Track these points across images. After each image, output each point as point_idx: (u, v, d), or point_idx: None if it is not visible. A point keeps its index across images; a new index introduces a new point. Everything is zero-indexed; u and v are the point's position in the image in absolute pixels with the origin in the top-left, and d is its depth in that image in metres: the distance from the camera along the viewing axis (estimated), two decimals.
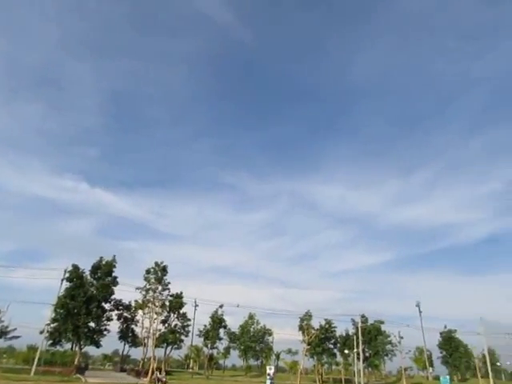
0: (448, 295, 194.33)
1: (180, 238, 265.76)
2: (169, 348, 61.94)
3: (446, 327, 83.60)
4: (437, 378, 74.60)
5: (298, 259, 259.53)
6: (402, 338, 75.03)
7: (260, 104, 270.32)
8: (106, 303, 55.98)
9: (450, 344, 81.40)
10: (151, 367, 44.64)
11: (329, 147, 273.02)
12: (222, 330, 74.05)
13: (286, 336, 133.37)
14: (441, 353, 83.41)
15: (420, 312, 63.59)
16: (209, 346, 71.59)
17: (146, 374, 46.23)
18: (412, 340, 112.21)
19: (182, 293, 61.53)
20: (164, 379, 30.89)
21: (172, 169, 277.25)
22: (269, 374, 37.85)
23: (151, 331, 49.53)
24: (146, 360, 58.49)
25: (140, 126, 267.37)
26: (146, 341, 54.88)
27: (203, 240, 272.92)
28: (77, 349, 53.53)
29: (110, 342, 64.79)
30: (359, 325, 63.09)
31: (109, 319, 56.77)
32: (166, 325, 60.02)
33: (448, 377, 55.26)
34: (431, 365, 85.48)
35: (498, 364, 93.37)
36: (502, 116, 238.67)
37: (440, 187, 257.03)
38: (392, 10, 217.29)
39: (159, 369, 39.45)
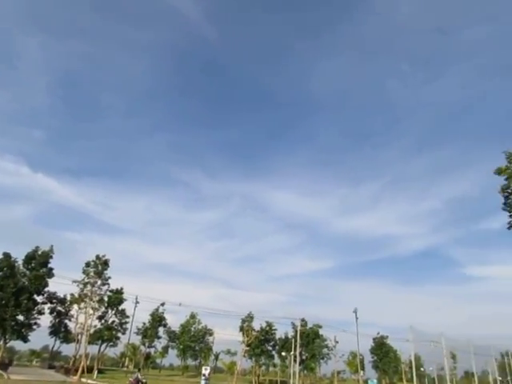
0: (384, 303, 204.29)
1: (126, 232, 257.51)
2: (104, 345, 59.80)
3: (378, 333, 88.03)
4: (367, 381, 78.35)
5: (244, 261, 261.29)
6: (337, 342, 78.12)
7: (219, 103, 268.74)
8: (38, 295, 52.85)
9: (381, 349, 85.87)
10: (82, 365, 42.85)
11: (284, 153, 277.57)
12: (161, 329, 72.88)
13: (226, 336, 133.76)
14: (372, 357, 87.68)
15: (356, 318, 66.06)
16: (146, 344, 70.00)
17: (76, 371, 44.29)
18: (348, 344, 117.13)
19: (122, 288, 59.72)
20: (144, 380, 29.94)
21: (123, 160, 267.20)
22: (204, 375, 37.69)
23: (85, 327, 47.57)
24: (78, 357, 56.02)
25: (92, 113, 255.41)
26: (79, 337, 52.61)
27: (150, 236, 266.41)
28: (1, 343, 50.06)
29: (40, 337, 61.23)
30: (298, 328, 64.78)
31: (40, 312, 53.58)
32: (103, 321, 57.89)
33: (375, 380, 58.26)
34: (363, 368, 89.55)
35: (422, 369, 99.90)
36: (443, 139, 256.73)
37: (385, 200, 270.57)
38: (356, 27, 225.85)
39: (139, 370, 38.35)
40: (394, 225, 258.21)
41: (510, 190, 19.05)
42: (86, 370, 42.78)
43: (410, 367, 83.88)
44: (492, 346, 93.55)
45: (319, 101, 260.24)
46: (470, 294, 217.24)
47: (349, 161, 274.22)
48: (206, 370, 38.89)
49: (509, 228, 18.98)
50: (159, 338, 72.23)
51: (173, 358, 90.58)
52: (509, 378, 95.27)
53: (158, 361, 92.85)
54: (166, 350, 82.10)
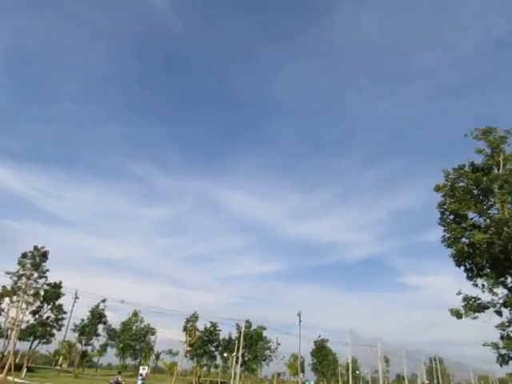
0: (329, 307, 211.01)
1: (71, 224, 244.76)
2: (36, 342, 56.30)
3: (320, 336, 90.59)
4: (305, 383, 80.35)
5: (194, 260, 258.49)
6: (279, 344, 79.39)
7: (179, 98, 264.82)
8: None
9: (321, 352, 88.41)
10: (9, 362, 40.07)
11: (242, 154, 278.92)
12: (101, 326, 69.97)
13: (170, 336, 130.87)
14: (312, 360, 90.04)
15: (300, 321, 67.77)
16: (83, 342, 66.87)
17: (3, 368, 41.30)
18: (290, 347, 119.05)
19: (61, 282, 56.60)
20: (123, 383, 28.36)
21: (72, 148, 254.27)
22: (141, 375, 36.69)
23: (16, 322, 44.51)
24: (6, 354, 52.26)
25: (41, 94, 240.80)
26: (8, 332, 49.08)
27: (97, 229, 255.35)
28: None
29: None
30: (242, 329, 65.05)
31: None
32: (37, 316, 54.52)
33: (313, 382, 59.97)
34: (302, 371, 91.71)
35: (358, 372, 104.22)
36: (393, 153, 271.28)
37: (336, 208, 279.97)
38: (322, 37, 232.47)
39: (120, 372, 36.30)
40: (343, 232, 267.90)
41: (445, 207, 20.48)
42: (13, 367, 40.02)
43: (347, 370, 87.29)
44: (422, 350, 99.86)
45: (281, 104, 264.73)
46: (407, 301, 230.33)
47: (304, 167, 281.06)
48: (143, 370, 37.93)
49: (442, 241, 20.42)
50: (98, 335, 69.26)
51: (111, 357, 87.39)
52: (435, 381, 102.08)
53: (96, 359, 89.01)
54: (104, 348, 78.81)
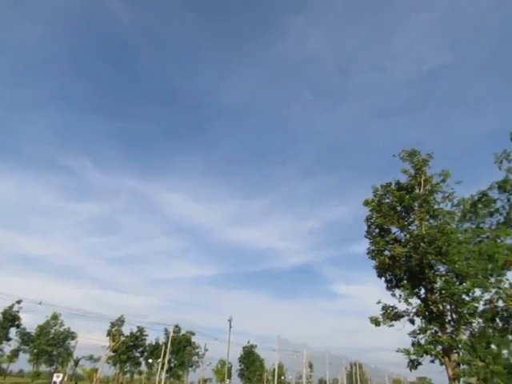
0: (260, 313, 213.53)
1: None
2: None
3: (249, 342, 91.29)
4: None
5: (124, 261, 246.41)
6: (206, 350, 78.62)
7: (120, 94, 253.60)
8: None
9: (249, 358, 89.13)
10: None
11: (183, 155, 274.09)
12: (13, 330, 64.06)
13: (92, 341, 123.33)
14: (240, 366, 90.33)
15: (230, 327, 67.64)
16: None
17: None
18: (220, 352, 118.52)
19: None
20: None
21: None
22: (55, 382, 34.15)
23: None
24: None
25: None
26: None
27: (16, 222, 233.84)
28: None
29: None
30: (170, 334, 63.41)
31: None
32: None
33: None
34: (229, 377, 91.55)
35: (283, 377, 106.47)
36: (331, 166, 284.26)
37: (273, 215, 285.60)
38: (270, 46, 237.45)
39: (57, 375, 32.13)
40: (278, 240, 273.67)
41: (372, 221, 21.84)
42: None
43: (273, 375, 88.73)
44: (345, 356, 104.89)
45: (226, 109, 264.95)
46: (334, 308, 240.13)
47: (246, 173, 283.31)
48: (57, 378, 35.41)
49: (367, 253, 21.71)
50: (9, 339, 63.35)
51: (24, 363, 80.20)
52: None
53: (5, 366, 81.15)
54: (15, 353, 72.19)
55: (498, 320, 20.93)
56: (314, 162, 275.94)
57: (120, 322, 61.85)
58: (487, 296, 20.07)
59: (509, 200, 22.18)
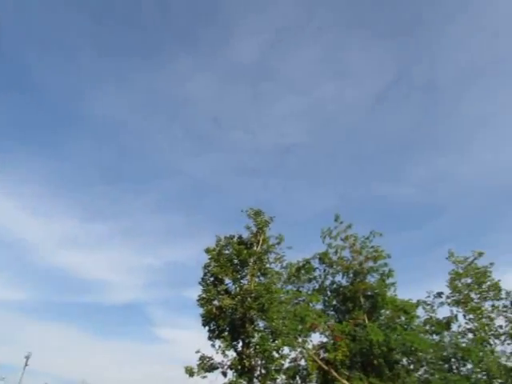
0: (73, 351, 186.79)
1: None
2: None
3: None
4: None
5: None
6: None
7: None
8: None
9: None
10: None
11: (26, 164, 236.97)
12: None
13: None
14: None
15: (26, 365, 57.25)
16: None
17: None
18: None
19: None
20: None
21: None
22: None
23: None
24: None
25: None
26: None
27: None
28: None
29: None
30: None
31: None
32: None
33: None
34: None
35: None
36: (183, 208, 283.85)
37: (111, 244, 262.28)
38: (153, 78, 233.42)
39: None
40: (112, 271, 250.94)
41: (209, 269, 22.28)
42: None
43: None
44: None
45: (90, 121, 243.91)
46: (158, 353, 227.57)
47: (92, 193, 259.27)
48: None
49: (197, 300, 21.76)
50: None
51: None
52: None
53: None
54: None
55: (297, 378, 23.16)
56: (169, 199, 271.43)
57: None
58: (293, 354, 22.20)
59: (325, 270, 25.82)
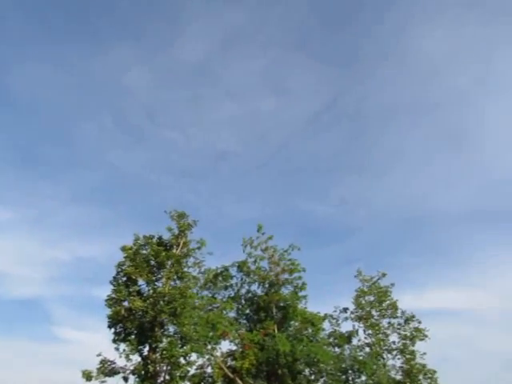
0: None
1: None
2: None
3: None
4: None
5: None
6: None
7: None
8: None
9: None
10: None
11: None
12: None
13: None
14: None
15: None
16: None
17: None
18: None
19: None
20: None
21: None
22: None
23: None
24: None
25: None
26: None
27: None
28: None
29: None
30: None
31: None
32: None
33: None
34: None
35: None
36: (107, 200, 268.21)
37: (16, 233, 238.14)
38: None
39: None
40: (12, 263, 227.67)
41: (123, 267, 21.14)
42: None
43: None
44: None
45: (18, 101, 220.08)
46: (53, 354, 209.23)
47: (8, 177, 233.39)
48: None
49: (105, 300, 20.48)
50: None
51: None
52: None
53: None
54: None
55: None
56: (88, 191, 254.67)
57: None
58: (200, 361, 21.91)
59: (242, 279, 26.05)
